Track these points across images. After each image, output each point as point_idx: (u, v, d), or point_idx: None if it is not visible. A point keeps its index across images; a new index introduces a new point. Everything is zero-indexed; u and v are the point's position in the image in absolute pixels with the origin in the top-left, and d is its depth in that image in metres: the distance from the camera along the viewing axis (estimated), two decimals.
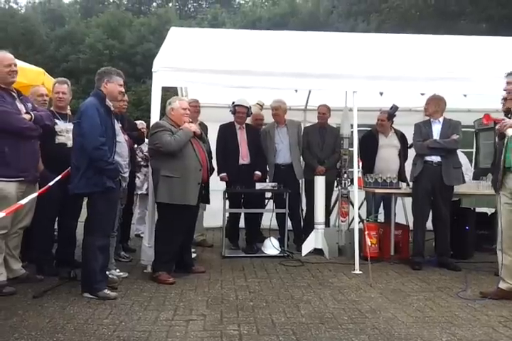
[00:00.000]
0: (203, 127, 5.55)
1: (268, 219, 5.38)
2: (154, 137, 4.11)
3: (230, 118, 5.59)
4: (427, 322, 3.15)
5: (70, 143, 3.91)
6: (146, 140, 5.03)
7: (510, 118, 3.67)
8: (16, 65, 3.66)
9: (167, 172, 4.06)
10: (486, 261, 4.60)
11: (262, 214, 5.63)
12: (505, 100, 3.78)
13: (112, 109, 3.72)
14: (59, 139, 4.08)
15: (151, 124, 4.29)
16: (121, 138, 3.85)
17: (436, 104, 4.80)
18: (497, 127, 3.64)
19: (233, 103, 5.49)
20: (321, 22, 20.60)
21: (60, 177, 3.71)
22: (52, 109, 4.23)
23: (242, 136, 5.46)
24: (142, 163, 5.23)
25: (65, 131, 4.08)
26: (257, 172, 5.46)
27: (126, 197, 4.45)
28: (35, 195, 3.49)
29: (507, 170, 3.64)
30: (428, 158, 4.71)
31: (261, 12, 26.22)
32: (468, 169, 6.10)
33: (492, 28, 12.93)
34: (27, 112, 3.68)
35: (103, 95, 3.62)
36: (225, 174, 5.31)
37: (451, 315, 3.28)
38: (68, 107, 4.39)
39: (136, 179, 5.41)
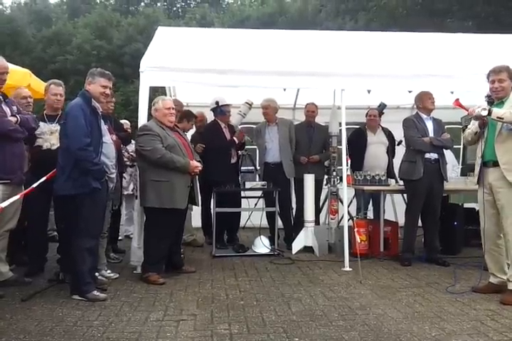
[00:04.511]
0: None
1: (258, 218, 5.38)
2: (141, 139, 4.08)
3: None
4: (416, 317, 3.17)
5: (45, 145, 3.99)
6: (133, 140, 5.00)
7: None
8: (7, 73, 3.66)
9: (155, 177, 4.03)
10: (474, 256, 4.64)
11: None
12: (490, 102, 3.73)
13: (100, 110, 3.69)
14: (38, 142, 4.06)
15: (139, 125, 4.26)
16: (108, 138, 3.81)
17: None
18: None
19: (217, 103, 5.46)
20: (309, 21, 20.58)
21: (44, 178, 3.68)
22: (45, 112, 4.21)
23: (228, 135, 5.45)
24: (128, 162, 5.20)
25: (47, 133, 4.04)
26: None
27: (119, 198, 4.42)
28: (17, 197, 3.46)
29: (485, 164, 3.64)
30: (427, 156, 4.69)
31: (249, 11, 26.18)
32: (455, 165, 6.15)
33: (479, 26, 13.03)
34: (13, 115, 3.67)
35: (89, 96, 3.59)
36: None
37: (440, 310, 3.31)
38: None
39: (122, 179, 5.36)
